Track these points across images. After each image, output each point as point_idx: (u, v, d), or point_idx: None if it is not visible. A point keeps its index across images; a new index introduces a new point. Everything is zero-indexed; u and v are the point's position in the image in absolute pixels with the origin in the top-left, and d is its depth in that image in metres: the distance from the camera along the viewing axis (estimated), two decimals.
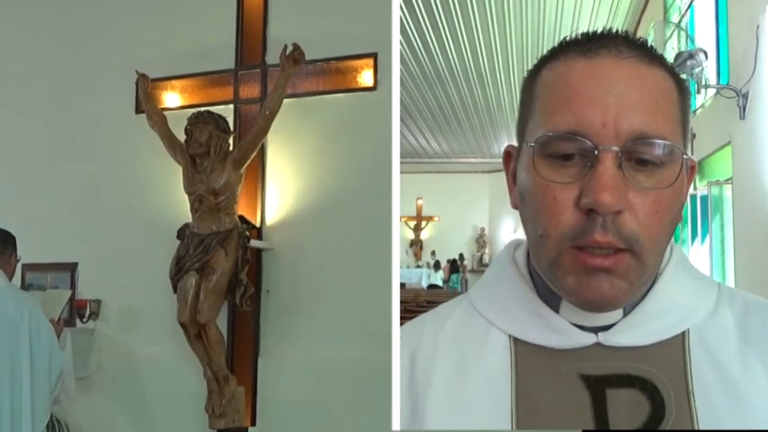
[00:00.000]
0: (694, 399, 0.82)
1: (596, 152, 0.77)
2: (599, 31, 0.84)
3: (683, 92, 0.84)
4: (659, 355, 0.84)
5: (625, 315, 0.85)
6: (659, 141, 0.78)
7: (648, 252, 0.79)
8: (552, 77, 0.83)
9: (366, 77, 3.41)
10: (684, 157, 0.82)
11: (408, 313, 6.94)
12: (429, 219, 12.93)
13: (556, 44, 0.86)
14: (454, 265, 12.18)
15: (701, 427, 0.81)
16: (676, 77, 0.84)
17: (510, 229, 11.94)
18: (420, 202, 12.75)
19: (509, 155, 0.90)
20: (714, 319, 0.86)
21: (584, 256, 0.78)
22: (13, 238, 3.03)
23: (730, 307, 0.88)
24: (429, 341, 0.91)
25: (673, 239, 0.89)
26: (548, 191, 0.79)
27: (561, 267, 0.80)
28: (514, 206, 0.88)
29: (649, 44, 0.84)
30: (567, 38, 0.84)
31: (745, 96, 4.73)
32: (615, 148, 0.77)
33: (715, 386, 0.83)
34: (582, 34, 0.83)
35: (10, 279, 3.00)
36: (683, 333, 0.85)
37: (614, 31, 0.84)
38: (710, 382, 0.83)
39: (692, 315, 0.86)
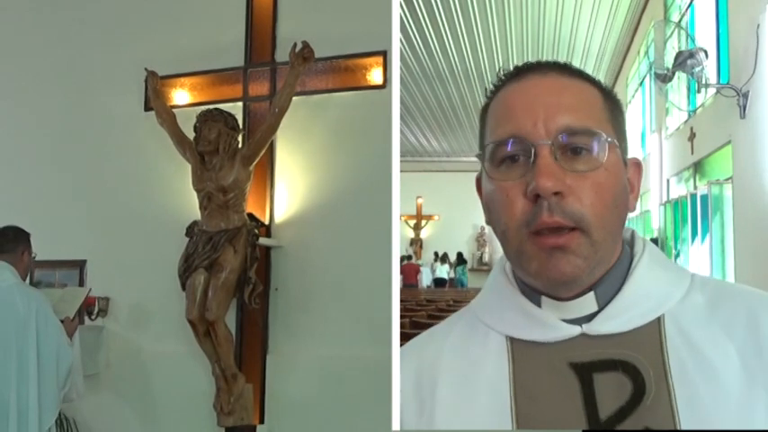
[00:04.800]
0: (671, 377, 0.90)
1: (533, 149, 0.90)
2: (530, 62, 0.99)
3: (609, 99, 0.97)
4: (638, 339, 0.93)
5: (600, 306, 0.94)
6: (583, 129, 0.91)
7: (596, 228, 0.89)
8: (494, 104, 0.98)
9: (375, 75, 3.42)
10: (625, 156, 0.95)
11: (408, 311, 6.92)
12: (429, 217, 12.90)
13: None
14: (460, 258, 12.31)
15: (678, 402, 0.89)
16: (601, 89, 0.98)
17: None
18: (420, 200, 12.72)
19: (479, 181, 1.01)
20: (686, 302, 0.95)
21: (540, 239, 0.89)
22: (27, 235, 3.01)
23: (702, 291, 0.96)
24: (436, 349, 1.02)
25: (643, 236, 1.02)
26: (502, 191, 0.92)
27: (525, 254, 0.91)
28: (488, 222, 1.00)
29: (574, 66, 0.98)
30: (503, 72, 0.99)
31: (746, 95, 4.76)
32: (548, 142, 0.90)
33: (689, 364, 0.90)
34: (515, 66, 0.99)
35: (23, 277, 2.99)
36: (659, 318, 0.94)
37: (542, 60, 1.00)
38: (685, 360, 0.91)
39: (666, 301, 0.95)
